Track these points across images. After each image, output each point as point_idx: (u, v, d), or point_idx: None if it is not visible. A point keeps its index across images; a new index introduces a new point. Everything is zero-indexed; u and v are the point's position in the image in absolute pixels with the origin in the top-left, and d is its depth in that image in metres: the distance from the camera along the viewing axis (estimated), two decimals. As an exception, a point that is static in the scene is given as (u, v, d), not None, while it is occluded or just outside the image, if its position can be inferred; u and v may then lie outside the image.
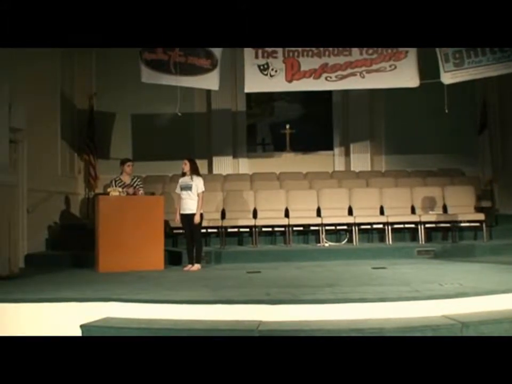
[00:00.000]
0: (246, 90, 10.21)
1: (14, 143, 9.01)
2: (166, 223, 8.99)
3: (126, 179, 8.99)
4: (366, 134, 13.13)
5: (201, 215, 8.58)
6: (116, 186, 8.77)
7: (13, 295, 6.04)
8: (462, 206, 10.38)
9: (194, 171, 8.68)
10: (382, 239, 10.27)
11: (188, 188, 8.55)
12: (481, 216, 10.01)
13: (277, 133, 13.69)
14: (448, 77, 9.60)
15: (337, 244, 10.22)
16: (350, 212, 10.48)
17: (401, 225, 10.16)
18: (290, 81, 9.94)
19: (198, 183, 8.55)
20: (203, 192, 8.57)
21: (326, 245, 9.99)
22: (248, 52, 9.93)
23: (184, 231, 8.81)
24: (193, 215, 8.46)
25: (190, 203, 8.53)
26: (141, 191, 8.94)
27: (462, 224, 10.14)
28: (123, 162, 9.10)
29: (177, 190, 8.76)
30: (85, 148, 12.27)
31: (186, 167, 8.67)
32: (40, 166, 9.94)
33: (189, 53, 9.79)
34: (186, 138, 12.87)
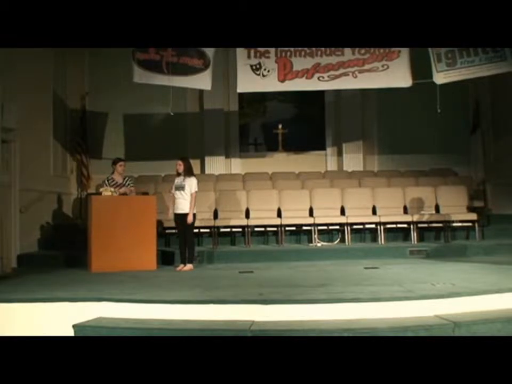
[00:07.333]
0: (239, 90, 10.18)
1: (6, 143, 8.97)
2: (159, 223, 8.98)
3: (118, 179, 8.99)
4: (358, 134, 13.13)
5: (194, 215, 8.58)
6: (108, 186, 8.76)
7: (5, 295, 6.02)
8: (455, 206, 10.40)
9: (188, 171, 8.67)
10: (375, 239, 10.27)
11: (181, 187, 8.54)
12: (473, 216, 10.05)
13: (269, 133, 13.67)
14: (440, 77, 9.62)
15: (329, 243, 10.21)
16: (343, 212, 10.48)
17: (394, 225, 10.15)
18: (282, 81, 9.93)
19: (191, 183, 8.54)
20: (196, 192, 8.56)
21: (319, 245, 9.99)
22: (241, 52, 9.92)
23: (177, 230, 8.81)
24: (186, 215, 8.45)
25: (182, 203, 8.52)
26: (132, 190, 8.96)
27: (455, 224, 10.17)
28: (115, 162, 9.13)
29: (172, 190, 8.74)
30: (77, 148, 12.23)
31: (181, 167, 8.65)
32: (33, 165, 9.89)
33: (181, 53, 9.78)
34: (179, 138, 12.83)
